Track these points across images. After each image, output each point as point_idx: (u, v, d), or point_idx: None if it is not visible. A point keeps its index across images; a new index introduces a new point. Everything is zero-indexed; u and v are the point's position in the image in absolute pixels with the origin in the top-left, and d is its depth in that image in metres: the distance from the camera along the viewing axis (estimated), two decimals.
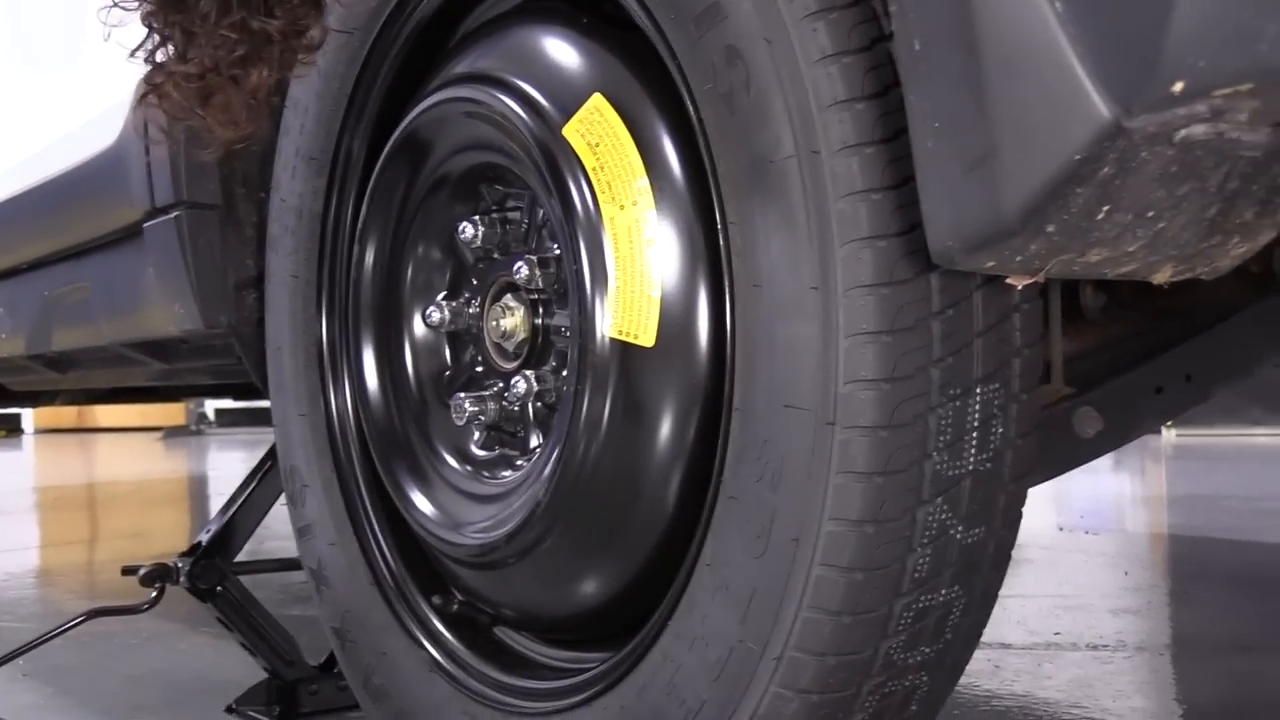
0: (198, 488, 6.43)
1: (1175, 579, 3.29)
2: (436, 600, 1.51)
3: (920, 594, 1.12)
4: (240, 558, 2.04)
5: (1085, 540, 3.70)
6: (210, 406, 9.50)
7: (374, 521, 1.57)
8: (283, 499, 2.03)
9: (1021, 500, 1.17)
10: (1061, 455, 1.54)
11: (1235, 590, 3.02)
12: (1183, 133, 0.84)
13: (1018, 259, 0.94)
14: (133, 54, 1.05)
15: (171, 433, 9.07)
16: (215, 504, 5.43)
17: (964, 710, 1.91)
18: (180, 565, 1.96)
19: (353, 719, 1.95)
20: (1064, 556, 3.35)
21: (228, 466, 7.18)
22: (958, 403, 1.09)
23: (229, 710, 2.00)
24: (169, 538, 4.43)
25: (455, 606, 1.49)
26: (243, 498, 2.03)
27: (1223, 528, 4.09)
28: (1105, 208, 0.89)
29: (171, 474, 7.04)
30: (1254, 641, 2.46)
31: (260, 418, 8.47)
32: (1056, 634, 2.42)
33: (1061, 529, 3.90)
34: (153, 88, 1.04)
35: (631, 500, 1.26)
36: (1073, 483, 4.47)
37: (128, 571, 2.03)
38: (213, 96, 1.03)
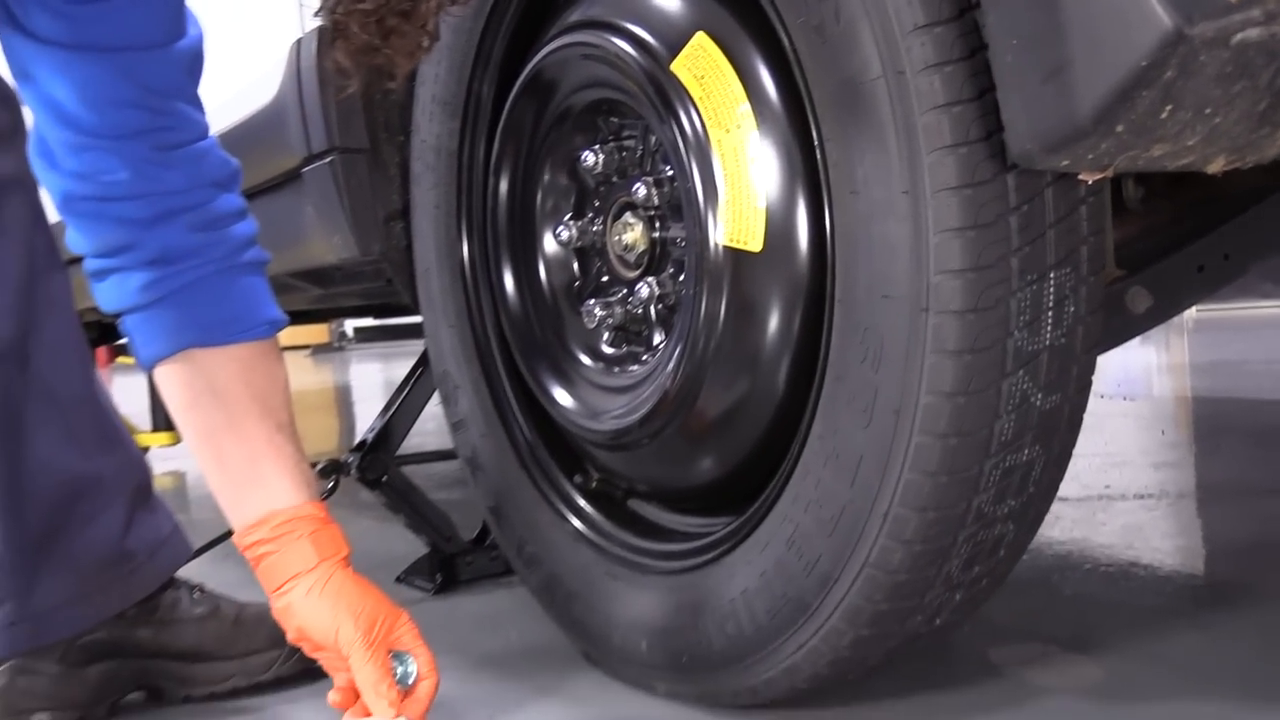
0: (343, 395, 6.50)
1: (1206, 436, 3.26)
2: (577, 479, 1.53)
3: (1006, 455, 1.12)
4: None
5: (1124, 406, 3.67)
6: (350, 326, 9.59)
7: (518, 414, 1.59)
8: (434, 400, 2.06)
9: (1091, 369, 1.17)
10: (1117, 330, 1.53)
11: (1260, 443, 2.99)
12: (1238, 36, 0.83)
13: (1089, 157, 0.93)
14: (317, 13, 1.07)
15: (318, 350, 9.17)
16: (360, 409, 5.50)
17: (1032, 555, 1.91)
18: (350, 460, 1.99)
19: (503, 586, 1.98)
20: (1107, 420, 3.33)
21: (367, 376, 7.27)
22: (1034, 286, 1.08)
23: (398, 580, 2.03)
24: (326, 438, 4.50)
25: (594, 484, 1.51)
26: (399, 401, 2.06)
27: (1245, 389, 4.04)
28: (1168, 107, 0.88)
29: (321, 385, 7.12)
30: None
31: (392, 334, 8.51)
32: (1106, 487, 2.42)
33: (1102, 396, 3.86)
34: (337, 27, 1.05)
35: (747, 386, 1.27)
36: (1108, 356, 4.43)
37: None
38: (390, 33, 1.05)
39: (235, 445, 1.31)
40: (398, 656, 1.28)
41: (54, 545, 1.43)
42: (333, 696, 1.30)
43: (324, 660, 1.29)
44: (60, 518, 1.44)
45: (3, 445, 1.40)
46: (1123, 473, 2.55)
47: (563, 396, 1.48)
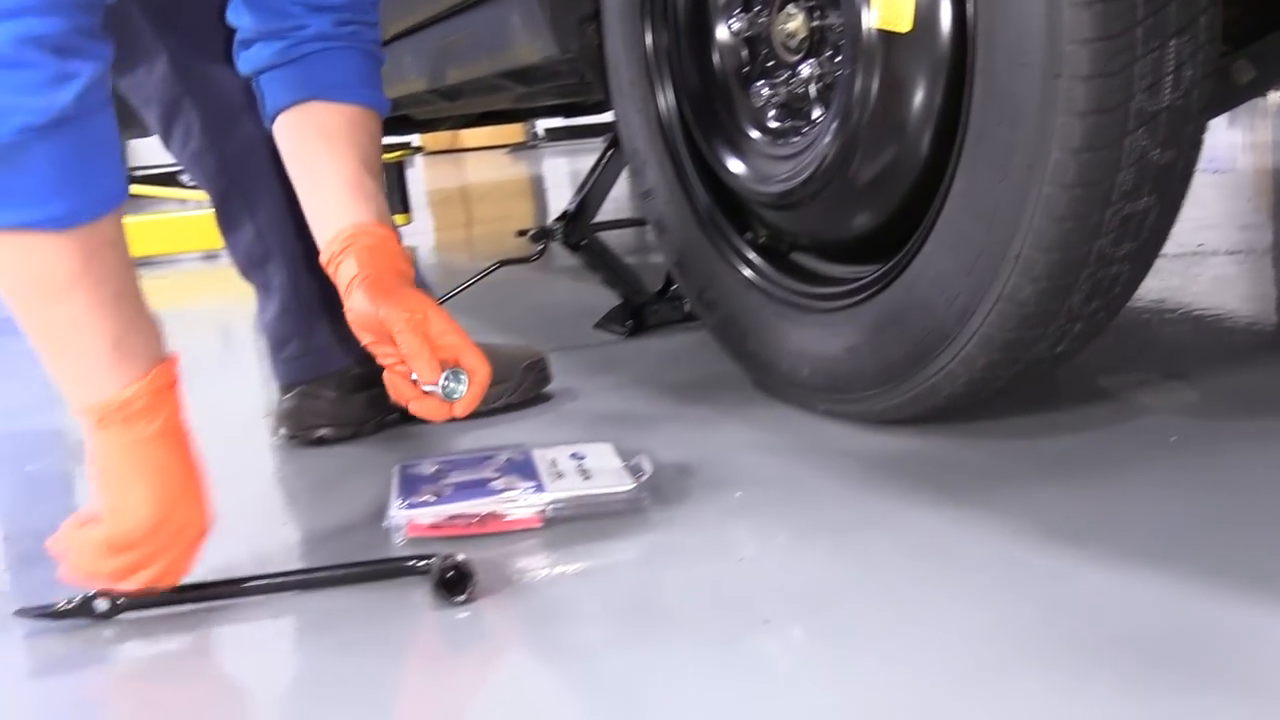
0: (537, 185, 6.53)
1: None
2: (748, 236, 1.52)
3: (1125, 203, 1.08)
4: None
5: (1213, 178, 3.50)
6: (541, 126, 9.55)
7: (697, 183, 1.58)
8: (623, 176, 2.06)
9: (1203, 129, 1.11)
10: (1221, 99, 1.44)
11: None
12: None
13: None
14: None
15: (515, 148, 9.16)
16: (551, 195, 5.53)
17: (1135, 301, 1.86)
18: (556, 228, 2.01)
19: (683, 331, 2.00)
20: (1197, 190, 3.17)
21: (557, 169, 7.27)
22: (1156, 53, 1.03)
23: (595, 327, 2.07)
24: (525, 219, 4.54)
25: (762, 239, 1.50)
26: (593, 179, 2.06)
27: None
28: None
29: (518, 176, 7.16)
30: None
31: (577, 134, 8.45)
32: (1199, 245, 2.32)
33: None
34: None
35: (896, 151, 1.24)
36: None
37: (520, 233, 2.10)
38: None
39: (331, 174, 1.25)
40: (452, 374, 1.14)
41: (330, 294, 1.48)
42: (392, 384, 1.18)
43: (379, 355, 1.19)
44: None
45: (294, 210, 1.45)
46: (1213, 234, 2.45)
47: (735, 165, 1.47)
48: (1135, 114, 1.04)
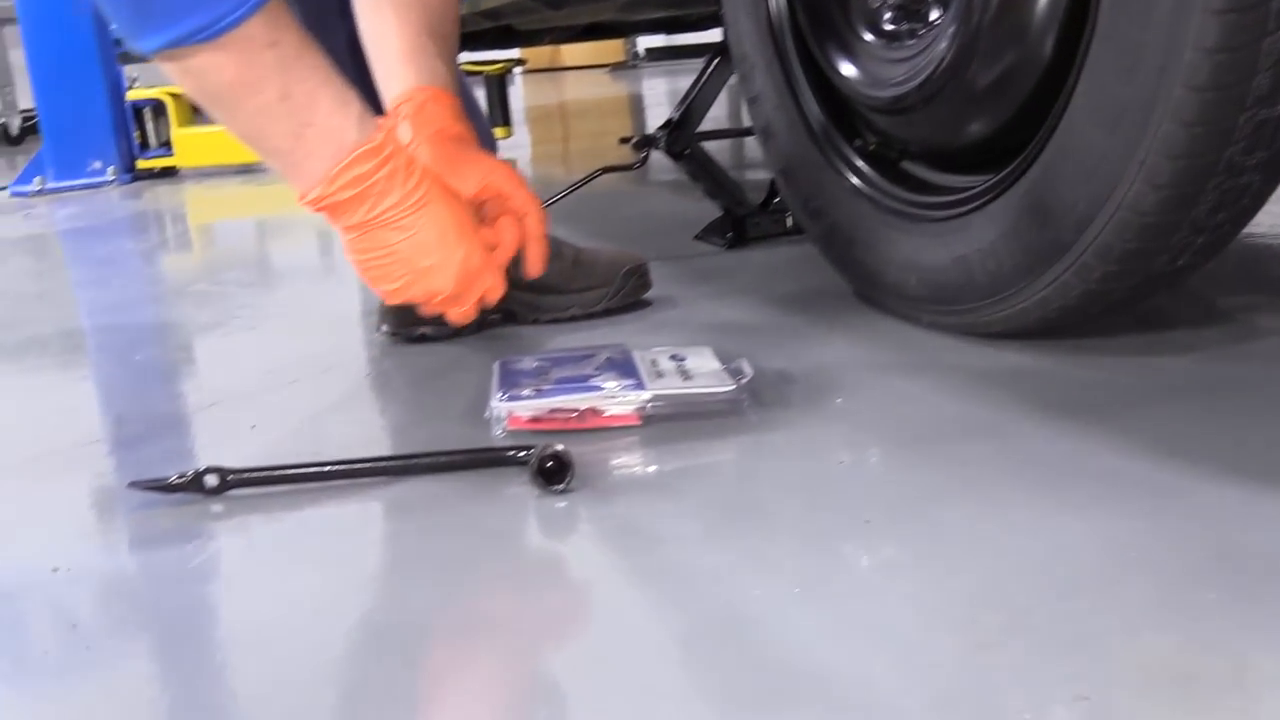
0: (636, 103, 6.48)
1: None
2: (857, 143, 1.50)
3: (1260, 109, 1.04)
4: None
5: None
6: (642, 45, 9.47)
7: (807, 87, 1.56)
8: (729, 85, 2.04)
9: None
10: None
11: None
12: None
13: None
14: None
15: (615, 67, 9.10)
16: (650, 113, 5.49)
17: (1252, 224, 1.80)
18: (659, 136, 1.99)
19: (783, 244, 1.98)
20: None
21: (656, 88, 7.21)
22: None
23: (696, 238, 2.06)
24: (623, 134, 4.51)
25: (872, 147, 1.48)
26: (698, 88, 2.04)
27: None
28: None
29: (617, 94, 7.12)
30: None
31: (676, 54, 8.36)
32: None
33: None
34: None
35: (1017, 52, 1.21)
36: None
37: (624, 141, 2.09)
38: None
39: (392, 37, 1.27)
40: None
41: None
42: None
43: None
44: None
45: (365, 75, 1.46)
46: None
47: (847, 69, 1.44)
48: (1275, 14, 0.99)
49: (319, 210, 1.05)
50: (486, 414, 1.19)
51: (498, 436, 1.16)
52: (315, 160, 1.01)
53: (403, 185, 1.04)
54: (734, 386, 1.17)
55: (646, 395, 1.16)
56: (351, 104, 1.02)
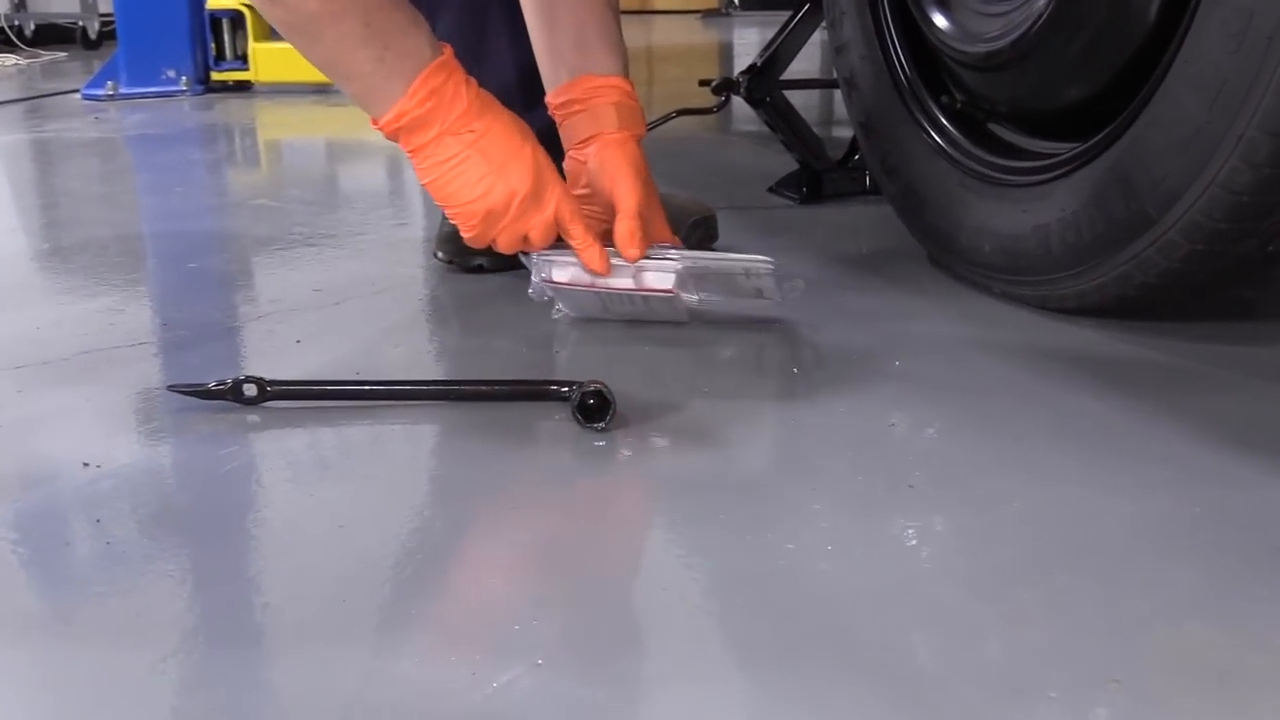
0: (726, 51, 6.44)
1: None
2: (943, 100, 1.48)
3: None
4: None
5: None
6: None
7: (895, 39, 1.54)
8: (818, 31, 2.01)
9: None
10: None
11: None
12: None
13: None
14: None
15: (707, 14, 9.03)
16: (739, 61, 5.45)
17: None
18: (741, 80, 1.97)
19: (859, 202, 1.96)
20: None
21: (747, 38, 7.15)
22: None
23: (770, 190, 2.05)
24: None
25: (958, 105, 1.46)
26: (786, 32, 2.01)
27: None
28: None
29: (708, 42, 7.07)
30: None
31: (771, 3, 8.27)
32: None
33: None
34: None
35: (1119, 12, 1.18)
36: None
37: (703, 83, 2.07)
38: None
39: (569, 12, 1.31)
40: None
41: None
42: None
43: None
44: (509, 102, 1.49)
45: (476, 24, 1.46)
46: None
47: (940, 20, 1.42)
48: None
49: (398, 129, 1.11)
50: (530, 290, 1.26)
51: (534, 294, 1.24)
52: (395, 80, 1.09)
53: (467, 93, 1.12)
54: (773, 263, 1.20)
55: (681, 261, 1.20)
56: (421, 23, 1.10)
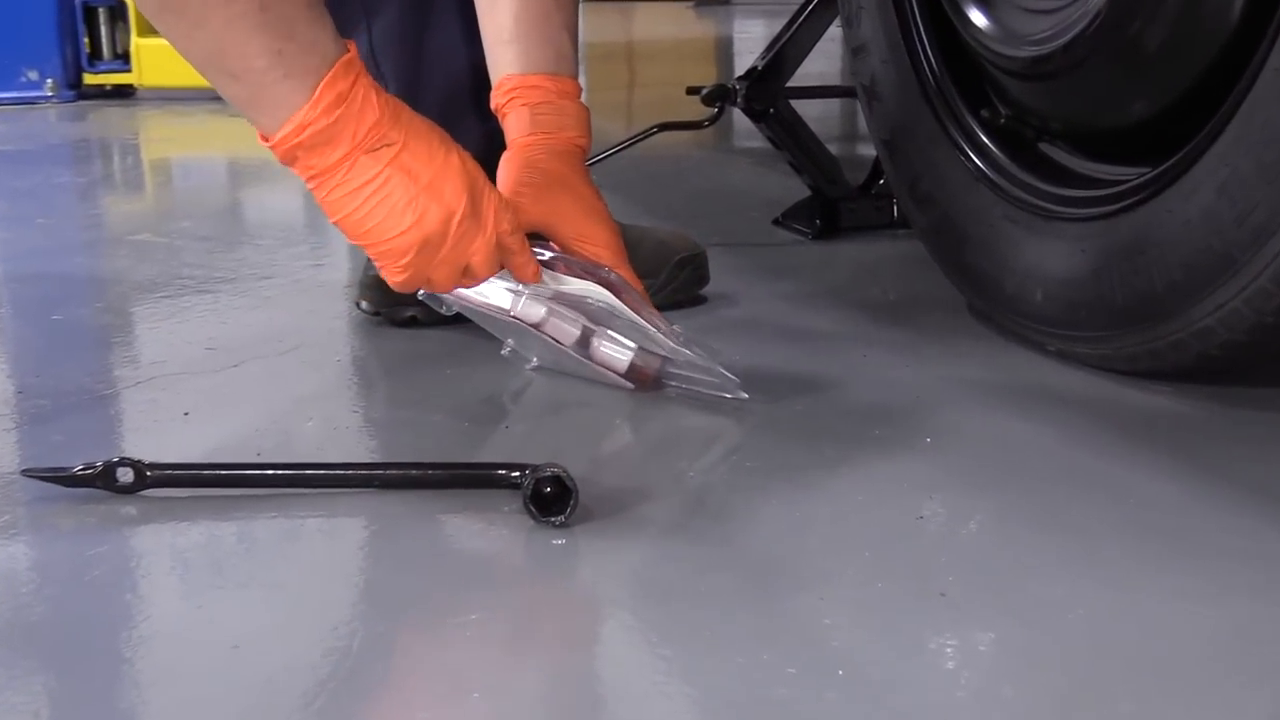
0: (724, 48, 6.51)
1: None
2: (984, 114, 1.50)
3: None
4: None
5: None
6: None
7: (925, 38, 1.56)
8: (832, 27, 2.05)
9: None
10: None
11: None
12: None
13: None
14: None
15: (701, 1, 9.13)
16: (741, 62, 5.51)
17: None
18: (738, 87, 2.00)
19: (885, 237, 1.99)
20: None
21: (751, 31, 7.23)
22: None
23: (775, 223, 2.07)
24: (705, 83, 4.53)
25: (1002, 120, 1.48)
26: (794, 28, 2.04)
27: None
28: None
29: (702, 36, 7.15)
30: None
31: None
32: None
33: None
34: None
35: (1195, 11, 1.21)
36: None
37: (691, 91, 2.10)
38: None
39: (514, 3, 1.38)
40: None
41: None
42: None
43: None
44: (455, 109, 1.51)
45: (415, 25, 1.49)
46: None
47: (978, 17, 1.44)
48: None
49: (298, 146, 1.09)
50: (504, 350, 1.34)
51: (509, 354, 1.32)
52: (295, 80, 1.06)
53: (379, 99, 1.11)
54: (740, 386, 1.26)
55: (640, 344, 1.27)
56: (324, 13, 1.09)
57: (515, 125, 1.37)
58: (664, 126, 2.12)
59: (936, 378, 1.36)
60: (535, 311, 1.27)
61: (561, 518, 1.02)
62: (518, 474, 1.06)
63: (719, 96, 2.03)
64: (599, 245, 1.31)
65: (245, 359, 1.46)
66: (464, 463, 1.13)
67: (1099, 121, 1.37)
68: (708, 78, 5.02)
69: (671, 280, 1.63)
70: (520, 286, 1.25)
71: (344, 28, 1.57)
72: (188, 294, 1.76)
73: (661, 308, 1.60)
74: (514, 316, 1.26)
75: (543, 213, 1.30)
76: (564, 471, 1.03)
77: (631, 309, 1.26)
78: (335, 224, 1.14)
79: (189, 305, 1.71)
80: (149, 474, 1.09)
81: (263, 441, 1.22)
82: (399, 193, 1.11)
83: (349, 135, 1.09)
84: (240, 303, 1.72)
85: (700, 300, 1.66)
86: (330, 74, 1.07)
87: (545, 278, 1.24)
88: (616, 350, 1.29)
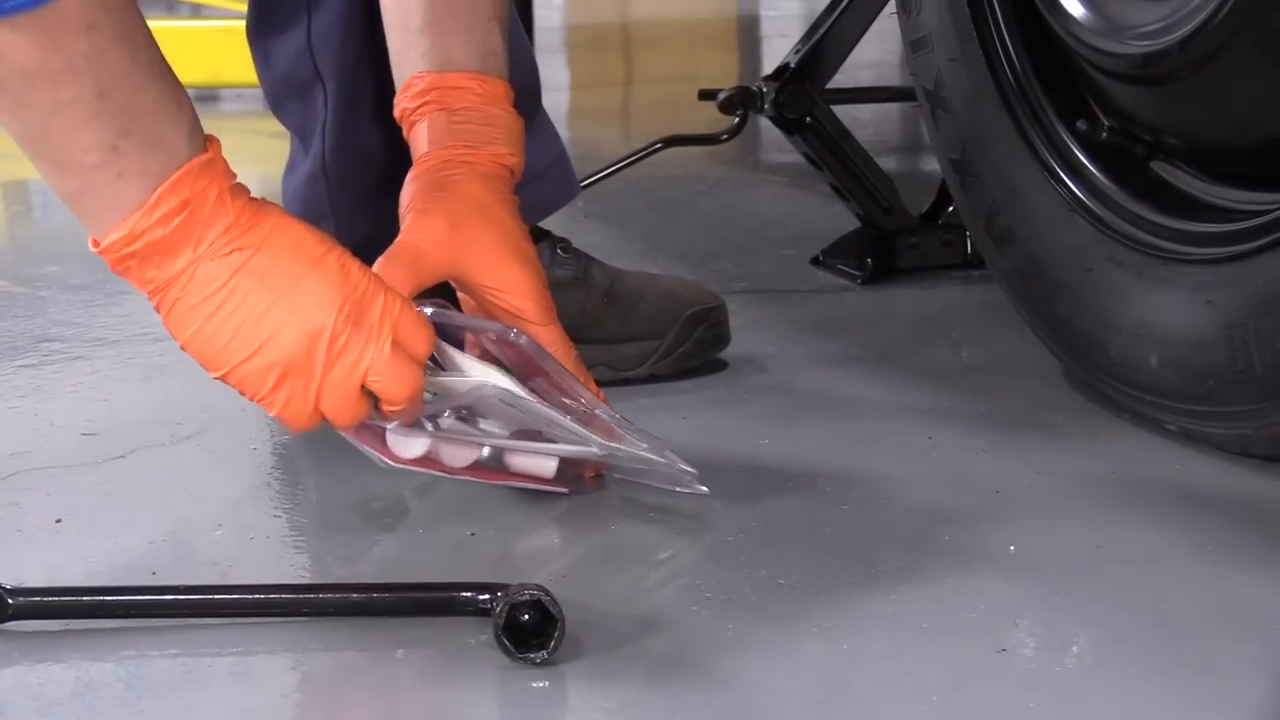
0: (747, 30, 6.51)
1: None
2: (1081, 126, 1.51)
3: None
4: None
5: None
6: None
7: (1004, 31, 1.58)
8: (885, 14, 2.06)
9: None
10: None
11: None
12: None
13: None
14: None
15: None
16: (771, 47, 5.52)
17: None
18: (765, 90, 2.01)
19: (954, 280, 2.00)
20: None
21: (782, 6, 7.24)
22: None
23: (815, 262, 2.08)
24: (722, 78, 4.53)
25: (1104, 134, 1.49)
26: (834, 16, 2.05)
27: None
28: None
29: (718, 14, 7.15)
30: None
31: None
32: None
33: None
34: None
35: None
36: None
37: (705, 96, 2.11)
38: None
39: None
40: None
41: (397, 158, 1.52)
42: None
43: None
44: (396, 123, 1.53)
45: (367, 19, 1.52)
46: None
47: (1072, 4, 1.46)
48: None
49: (130, 256, 1.11)
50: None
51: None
52: (129, 181, 1.09)
53: (235, 203, 1.13)
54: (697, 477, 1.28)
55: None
56: (184, 106, 1.12)
57: (427, 136, 1.37)
58: (671, 141, 2.13)
59: (1022, 466, 1.37)
60: (412, 447, 1.26)
61: (544, 653, 1.03)
62: (487, 597, 1.07)
63: (741, 102, 2.03)
64: (521, 295, 1.31)
65: (133, 448, 1.47)
66: (418, 584, 1.13)
67: (1230, 135, 1.38)
68: (726, 72, 5.04)
69: (682, 341, 1.63)
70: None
71: (283, 21, 1.61)
72: (57, 361, 1.77)
73: (670, 376, 1.62)
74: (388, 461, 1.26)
75: (451, 257, 1.30)
76: (546, 593, 1.04)
77: (550, 385, 1.28)
78: (183, 349, 1.15)
79: (59, 376, 1.72)
80: (10, 601, 1.09)
81: (158, 557, 1.23)
82: (248, 306, 1.12)
83: (190, 243, 1.11)
84: (126, 373, 1.72)
85: (719, 365, 1.66)
86: (176, 176, 1.09)
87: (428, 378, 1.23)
88: (536, 457, 1.30)
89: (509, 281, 1.30)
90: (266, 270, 1.12)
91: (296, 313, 1.13)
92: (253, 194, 1.14)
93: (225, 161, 1.13)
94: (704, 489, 1.29)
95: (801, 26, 5.95)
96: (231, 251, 1.11)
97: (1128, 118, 1.48)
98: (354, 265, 1.16)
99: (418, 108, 1.38)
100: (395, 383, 1.16)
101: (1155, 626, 1.08)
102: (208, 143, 1.12)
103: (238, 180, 1.14)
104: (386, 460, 1.24)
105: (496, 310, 1.30)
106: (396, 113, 1.40)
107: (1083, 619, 1.10)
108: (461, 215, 1.31)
